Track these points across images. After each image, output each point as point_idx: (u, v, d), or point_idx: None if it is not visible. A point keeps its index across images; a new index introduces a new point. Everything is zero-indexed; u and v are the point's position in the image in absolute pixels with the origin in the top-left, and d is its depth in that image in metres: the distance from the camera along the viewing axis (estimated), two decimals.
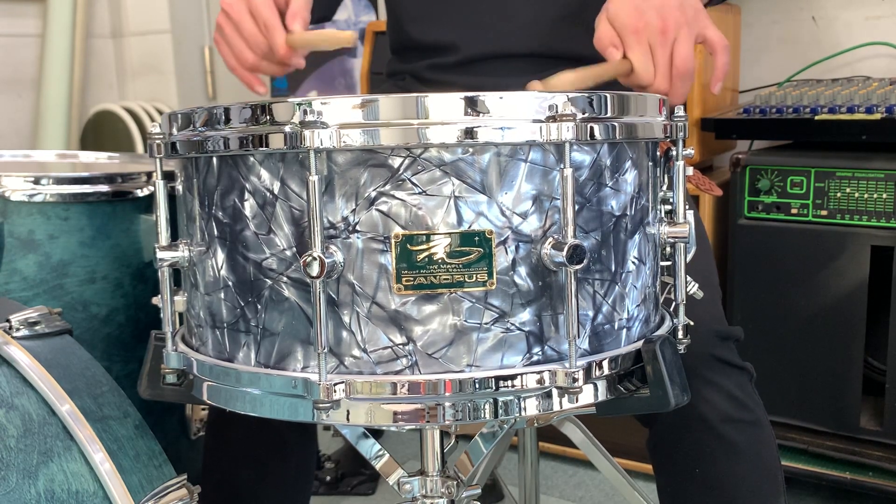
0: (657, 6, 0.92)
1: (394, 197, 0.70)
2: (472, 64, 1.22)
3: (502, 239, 0.71)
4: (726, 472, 1.03)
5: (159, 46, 3.07)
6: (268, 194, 0.73)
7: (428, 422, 0.72)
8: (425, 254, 0.70)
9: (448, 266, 0.70)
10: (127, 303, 1.18)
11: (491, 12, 1.21)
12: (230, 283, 0.76)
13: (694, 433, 1.03)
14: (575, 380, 0.71)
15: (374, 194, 0.70)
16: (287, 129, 0.69)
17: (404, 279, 0.70)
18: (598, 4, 0.98)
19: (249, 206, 0.74)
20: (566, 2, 1.19)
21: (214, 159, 0.76)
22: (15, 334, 0.86)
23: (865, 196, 1.66)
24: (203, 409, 1.28)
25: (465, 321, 0.71)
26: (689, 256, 0.84)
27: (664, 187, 0.84)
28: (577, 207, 0.72)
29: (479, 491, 0.93)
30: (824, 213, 1.71)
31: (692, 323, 0.86)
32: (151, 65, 3.12)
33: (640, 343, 0.78)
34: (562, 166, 0.70)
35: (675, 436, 1.05)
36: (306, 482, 1.24)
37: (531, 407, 0.73)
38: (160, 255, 0.80)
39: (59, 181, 1.12)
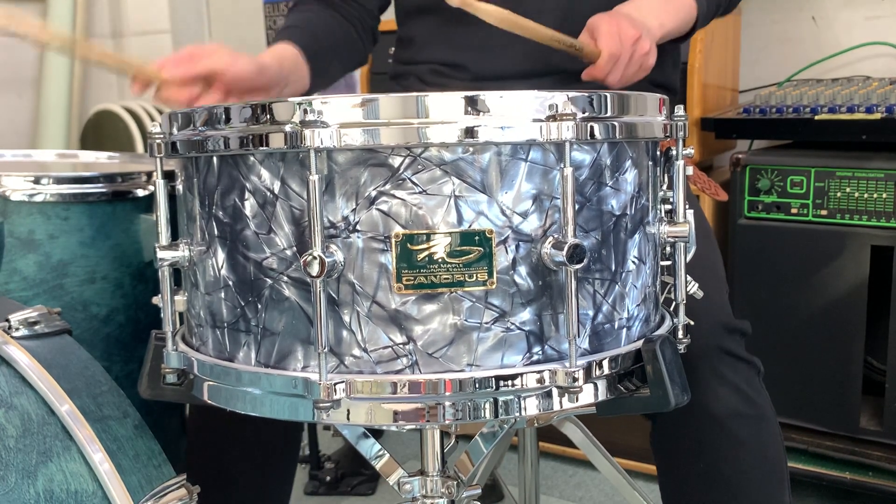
0: (628, 18, 1.09)
1: (394, 196, 0.70)
2: (479, 82, 1.25)
3: (502, 238, 0.70)
4: (731, 467, 1.04)
5: (159, 46, 3.07)
6: (268, 194, 0.73)
7: (428, 421, 0.72)
8: (425, 253, 0.70)
9: (448, 265, 0.70)
10: (127, 303, 1.18)
11: (500, 36, 1.23)
12: (230, 283, 0.76)
13: (699, 427, 1.04)
14: (575, 379, 0.71)
15: (374, 194, 0.70)
16: (287, 128, 0.69)
17: (404, 278, 0.70)
18: None
19: (250, 206, 0.74)
20: (573, 26, 1.22)
21: (215, 159, 0.76)
22: (14, 334, 0.86)
23: (865, 196, 1.65)
24: None
25: (466, 321, 0.71)
26: (689, 256, 0.84)
27: (664, 187, 0.84)
28: (577, 207, 0.72)
29: (479, 491, 0.93)
30: (824, 212, 1.71)
31: (692, 323, 0.86)
32: None
33: (640, 343, 0.78)
34: (562, 166, 0.70)
35: (680, 430, 1.05)
36: (284, 490, 1.23)
37: (531, 406, 0.73)
38: (160, 254, 0.80)
39: (59, 181, 1.12)
